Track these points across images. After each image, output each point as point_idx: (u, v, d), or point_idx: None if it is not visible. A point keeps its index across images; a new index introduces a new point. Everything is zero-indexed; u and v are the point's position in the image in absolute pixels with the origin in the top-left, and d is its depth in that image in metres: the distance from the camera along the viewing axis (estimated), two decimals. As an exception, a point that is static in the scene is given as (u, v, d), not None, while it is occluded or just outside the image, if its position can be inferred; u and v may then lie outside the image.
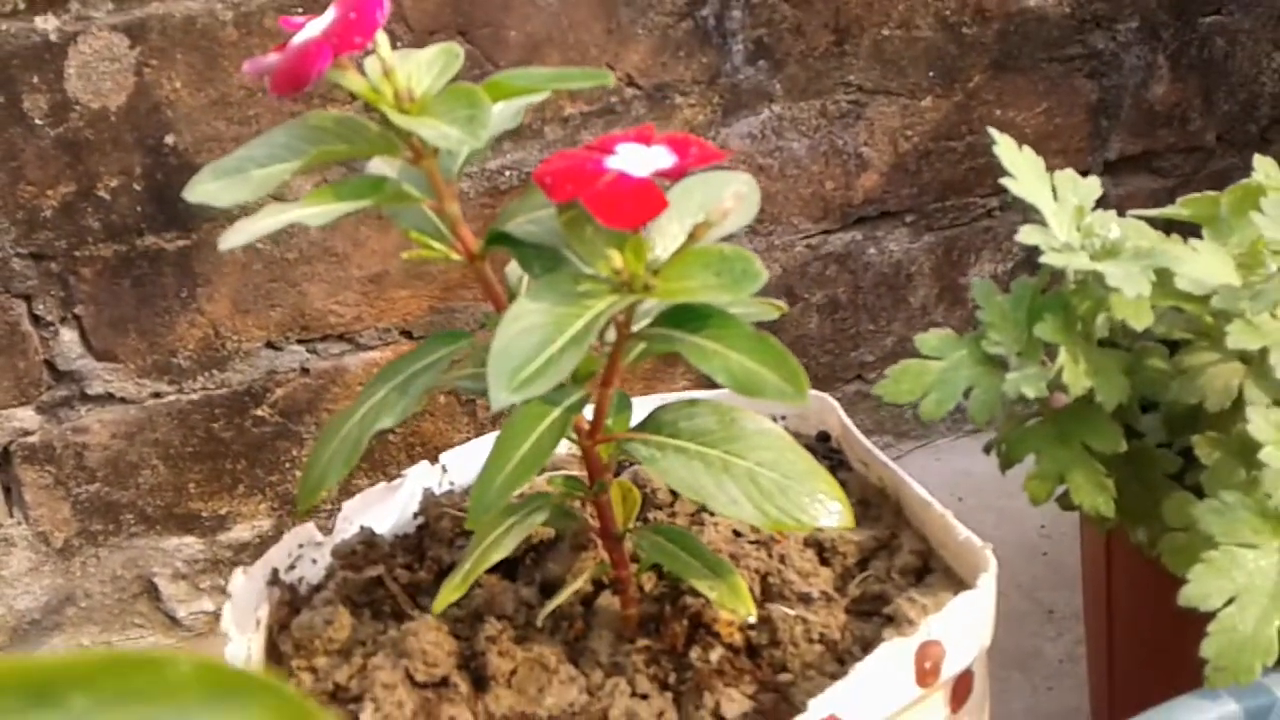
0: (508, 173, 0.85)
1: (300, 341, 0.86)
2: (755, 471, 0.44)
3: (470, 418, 0.89)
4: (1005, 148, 0.51)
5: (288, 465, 0.88)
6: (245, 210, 0.49)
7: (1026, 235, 0.49)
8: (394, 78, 0.42)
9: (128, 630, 0.89)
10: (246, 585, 0.55)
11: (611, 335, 0.43)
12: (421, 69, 0.44)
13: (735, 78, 0.87)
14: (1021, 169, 0.51)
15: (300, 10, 0.77)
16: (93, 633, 0.89)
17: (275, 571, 0.57)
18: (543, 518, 0.48)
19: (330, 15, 0.41)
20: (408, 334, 0.88)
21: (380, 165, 0.46)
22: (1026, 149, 0.53)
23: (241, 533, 0.89)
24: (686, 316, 0.42)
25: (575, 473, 0.50)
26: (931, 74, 0.91)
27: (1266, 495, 0.42)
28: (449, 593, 0.46)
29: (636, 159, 0.39)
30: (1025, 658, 0.82)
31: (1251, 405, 0.42)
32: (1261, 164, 0.56)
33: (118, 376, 0.83)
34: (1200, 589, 0.41)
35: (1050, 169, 0.96)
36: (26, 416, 0.82)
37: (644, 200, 0.38)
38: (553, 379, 0.38)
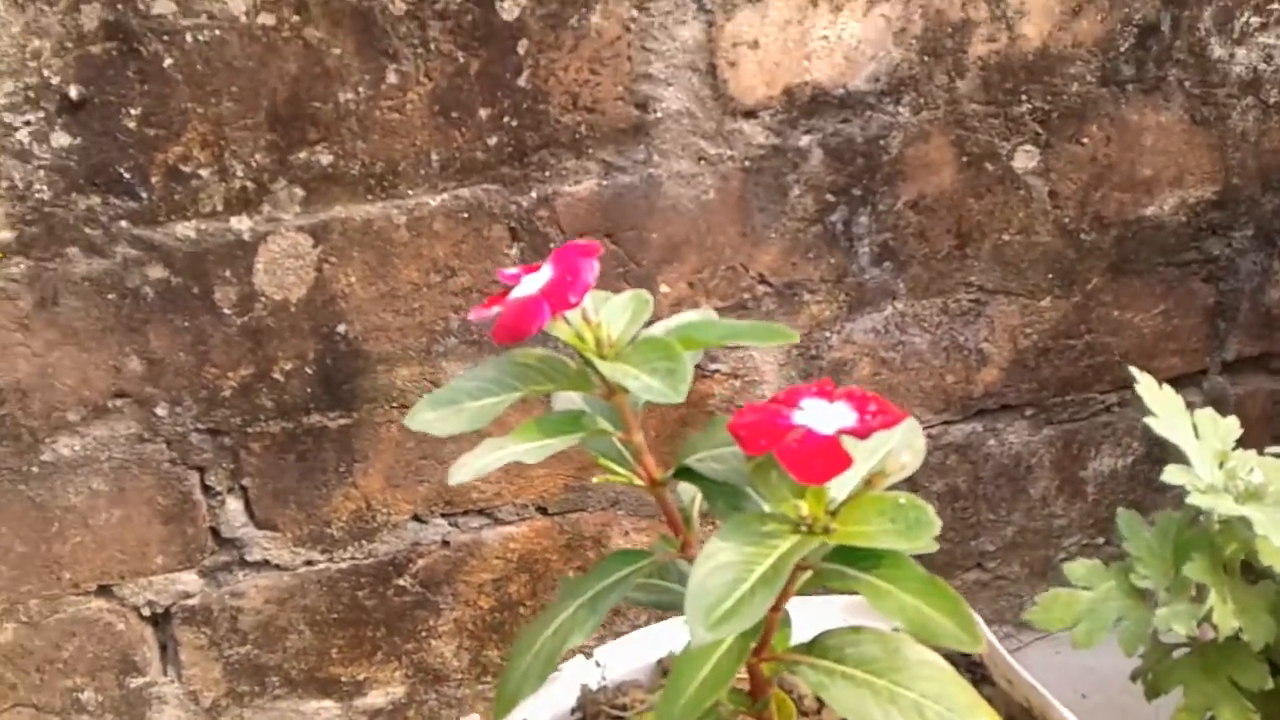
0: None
1: (444, 515, 0.91)
2: (921, 704, 0.46)
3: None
4: (1147, 387, 0.54)
5: (423, 634, 0.92)
6: (416, 397, 0.53)
7: (1171, 475, 0.52)
8: (596, 328, 0.47)
9: (263, 789, 0.93)
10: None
11: (786, 566, 0.47)
12: (616, 314, 0.49)
13: (861, 277, 0.92)
14: (1163, 407, 0.54)
15: (465, 217, 0.84)
16: (229, 790, 0.92)
17: (441, 760, 0.60)
18: (710, 737, 0.50)
19: (546, 274, 0.47)
20: (543, 510, 0.92)
21: (567, 399, 0.51)
22: (1167, 388, 0.56)
23: (376, 698, 0.93)
24: (860, 555, 0.45)
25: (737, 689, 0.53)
26: (1050, 276, 0.95)
27: None
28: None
29: (821, 415, 0.43)
30: None
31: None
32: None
33: (275, 545, 0.88)
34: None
35: (1169, 369, 0.99)
36: (189, 580, 0.88)
37: (832, 458, 0.41)
38: (748, 618, 0.41)
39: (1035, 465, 1.00)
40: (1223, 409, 1.04)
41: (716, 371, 0.93)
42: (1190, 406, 1.04)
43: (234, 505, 0.87)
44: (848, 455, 0.42)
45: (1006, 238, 0.94)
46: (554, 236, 0.86)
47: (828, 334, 0.93)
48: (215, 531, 0.87)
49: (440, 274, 0.85)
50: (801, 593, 0.49)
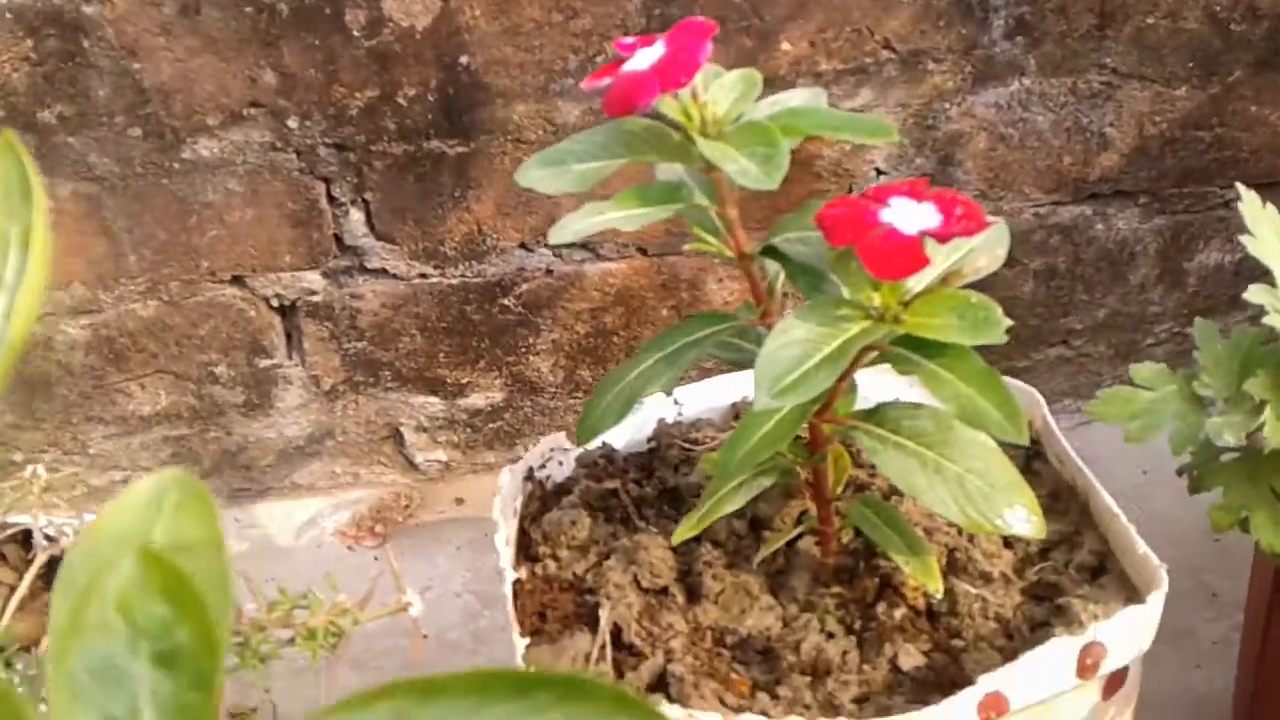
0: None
1: (548, 246, 0.95)
2: (964, 477, 0.51)
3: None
4: (1250, 203, 0.55)
5: (523, 349, 0.99)
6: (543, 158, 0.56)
7: (1254, 294, 0.53)
8: (702, 107, 0.49)
9: (373, 467, 1.03)
10: (510, 480, 0.65)
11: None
12: (723, 92, 0.51)
13: (991, 50, 0.90)
14: (1263, 227, 0.54)
15: (594, -49, 0.83)
16: (344, 464, 1.03)
17: (531, 470, 0.68)
18: (771, 481, 0.56)
19: (659, 50, 0.48)
20: (643, 250, 0.96)
21: (669, 169, 0.53)
22: (1270, 207, 0.56)
23: (477, 400, 1.01)
24: (926, 343, 0.48)
25: (799, 441, 0.58)
26: (1190, 64, 0.92)
27: None
28: (685, 530, 0.55)
29: (907, 215, 0.45)
30: (1180, 636, 0.87)
31: None
32: None
33: (393, 256, 0.94)
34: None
35: (1296, 168, 0.96)
36: (314, 279, 0.95)
37: (909, 258, 0.44)
38: (809, 391, 0.45)
39: (1139, 252, 1.00)
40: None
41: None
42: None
43: (356, 216, 0.92)
44: (925, 256, 0.44)
45: (1151, 21, 0.90)
46: (678, -18, 0.86)
47: (947, 105, 0.92)
48: (339, 239, 0.93)
49: (563, 13, 0.85)
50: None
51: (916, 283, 0.48)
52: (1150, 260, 1.00)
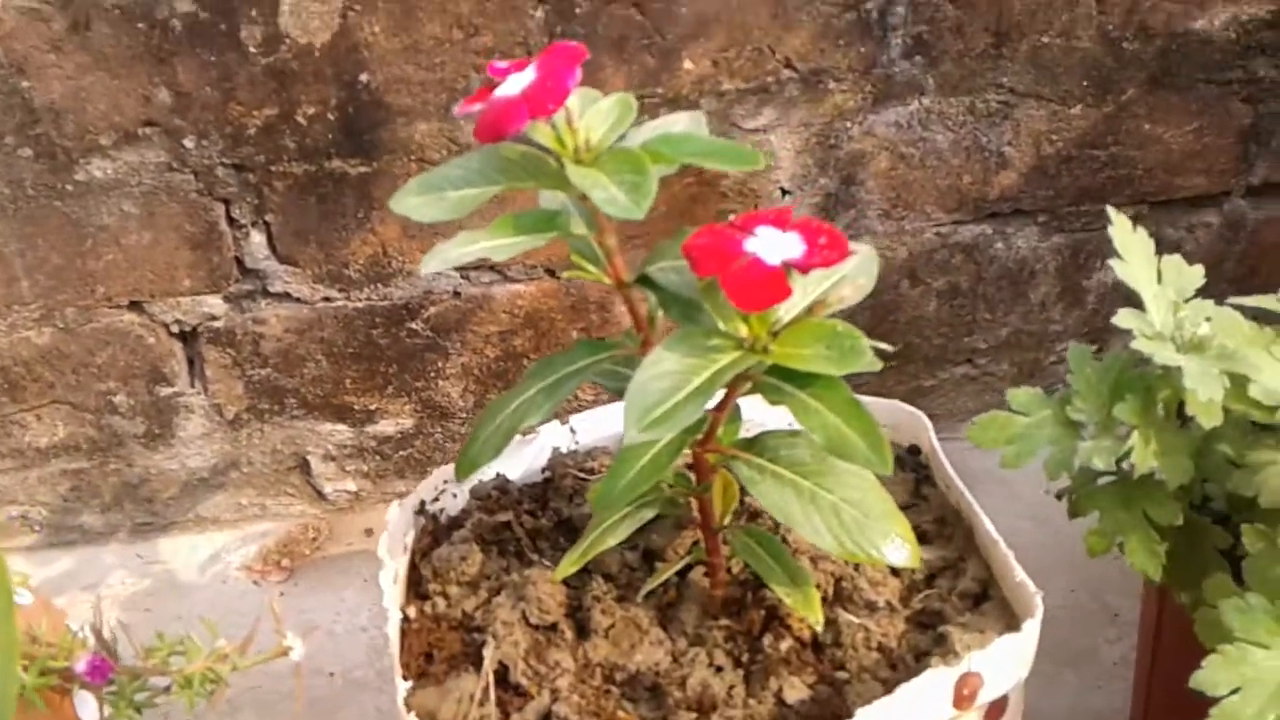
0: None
1: (456, 268, 0.95)
2: (840, 506, 0.51)
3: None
4: (1120, 227, 0.56)
5: (432, 374, 0.98)
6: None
7: (1123, 319, 0.54)
8: (575, 133, 0.48)
9: (280, 498, 1.02)
10: (400, 515, 0.64)
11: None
12: (599, 118, 0.50)
13: (890, 69, 0.91)
14: (1132, 251, 0.55)
15: (493, -27, 0.83)
16: (250, 495, 1.01)
17: (423, 503, 0.67)
18: (654, 513, 0.56)
19: (529, 76, 0.48)
20: (551, 272, 0.96)
21: (551, 196, 0.53)
22: (1140, 231, 0.57)
23: (386, 427, 1.00)
24: (798, 373, 0.48)
25: (685, 470, 0.58)
26: (1085, 83, 0.93)
27: (1292, 598, 0.47)
28: (567, 565, 0.55)
29: (772, 245, 0.45)
30: (1081, 657, 0.88)
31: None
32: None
33: (296, 279, 0.93)
34: (1211, 676, 0.47)
35: (1192, 188, 0.98)
36: (215, 304, 0.93)
37: (772, 289, 0.44)
38: (678, 424, 0.45)
39: (1039, 271, 1.01)
40: (1238, 233, 1.04)
41: (735, 151, 0.93)
42: (1207, 227, 1.04)
43: (257, 239, 0.91)
44: (788, 287, 0.44)
45: (1046, 40, 0.91)
46: (580, 1, 0.85)
47: (849, 124, 0.93)
48: (240, 261, 0.92)
49: (463, 31, 0.85)
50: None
51: (785, 313, 0.48)
52: (1050, 279, 1.02)
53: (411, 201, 0.50)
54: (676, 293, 0.49)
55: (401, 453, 1.01)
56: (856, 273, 0.49)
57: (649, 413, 0.45)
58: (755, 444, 0.54)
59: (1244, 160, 0.99)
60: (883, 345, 0.55)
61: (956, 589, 0.59)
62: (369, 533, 1.01)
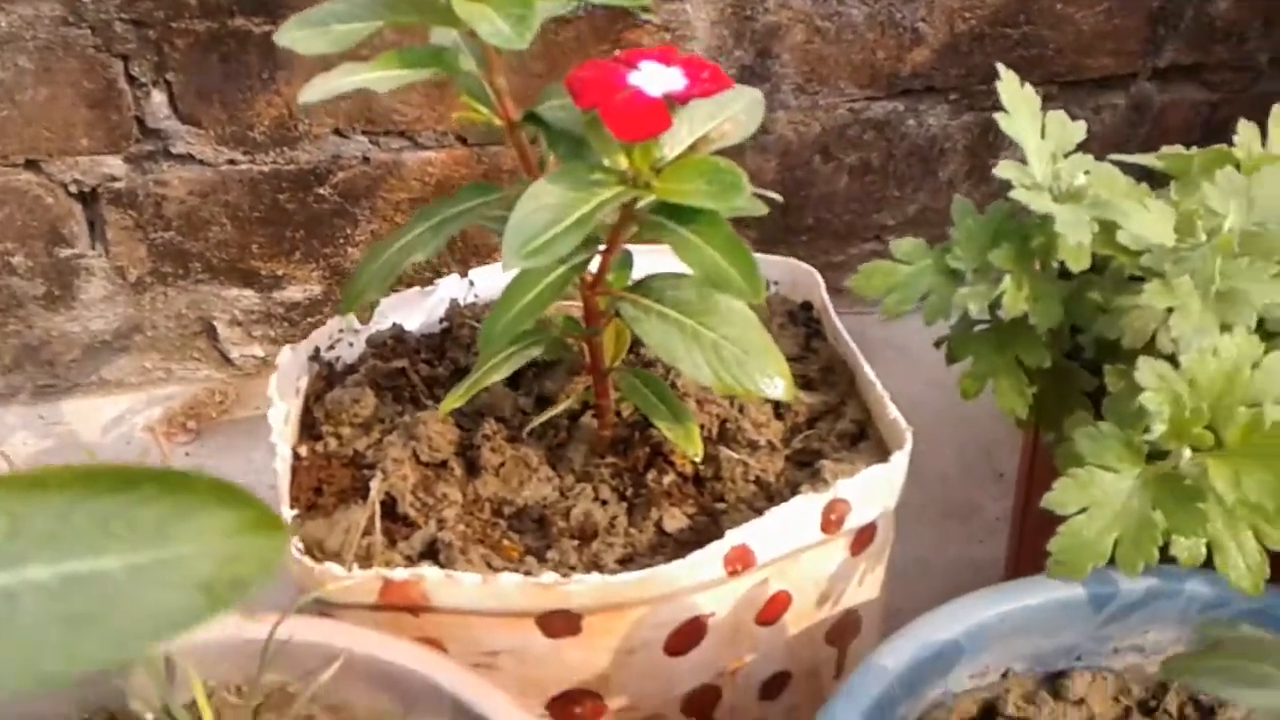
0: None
1: (365, 133, 0.94)
2: (720, 343, 0.52)
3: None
4: (1007, 83, 0.57)
5: (341, 240, 0.98)
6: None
7: (1003, 170, 0.56)
8: (461, -37, 0.48)
9: (185, 362, 1.01)
10: (292, 359, 0.65)
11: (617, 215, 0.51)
12: (486, -46, 0.50)
13: (802, -60, 0.91)
14: (1017, 105, 0.57)
15: None
16: (155, 359, 1.01)
17: (317, 349, 0.67)
18: (539, 350, 0.57)
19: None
20: (462, 140, 0.95)
21: (442, 33, 0.53)
22: (1028, 88, 0.59)
23: (294, 293, 0.99)
24: (681, 211, 0.49)
25: (575, 315, 0.59)
26: (996, -39, 0.94)
27: (1142, 430, 0.50)
28: (452, 400, 0.56)
29: (654, 78, 0.46)
30: (967, 511, 0.92)
31: (1146, 358, 0.50)
32: (1245, 131, 0.61)
33: (199, 141, 0.91)
34: (1060, 497, 0.50)
35: (1100, 69, 1.00)
36: (115, 165, 0.91)
37: (651, 118, 0.45)
38: (555, 253, 0.46)
39: (949, 149, 1.03)
40: (1144, 114, 1.06)
41: (648, 22, 0.93)
42: (1114, 108, 1.06)
43: (158, 98, 0.89)
44: (667, 118, 0.45)
45: (956, -85, 0.92)
46: None
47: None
48: (140, 121, 0.90)
49: (367, -118, 0.83)
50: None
51: (670, 150, 0.49)
52: (959, 157, 1.03)
53: (295, 34, 0.50)
54: (564, 129, 0.50)
55: (309, 319, 1.00)
56: (744, 112, 0.50)
57: (529, 242, 0.46)
58: (641, 286, 0.55)
59: (1152, 42, 1.00)
60: (770, 194, 0.56)
61: (836, 430, 0.62)
62: (277, 400, 1.01)
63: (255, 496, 0.22)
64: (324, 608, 0.52)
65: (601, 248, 0.54)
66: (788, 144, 1.00)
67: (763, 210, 0.55)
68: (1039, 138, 0.59)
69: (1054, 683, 0.56)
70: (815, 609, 0.59)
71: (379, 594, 0.51)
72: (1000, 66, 0.61)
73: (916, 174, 1.04)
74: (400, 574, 0.51)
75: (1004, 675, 0.56)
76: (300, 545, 0.53)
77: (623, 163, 0.47)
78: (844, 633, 0.61)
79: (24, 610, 0.19)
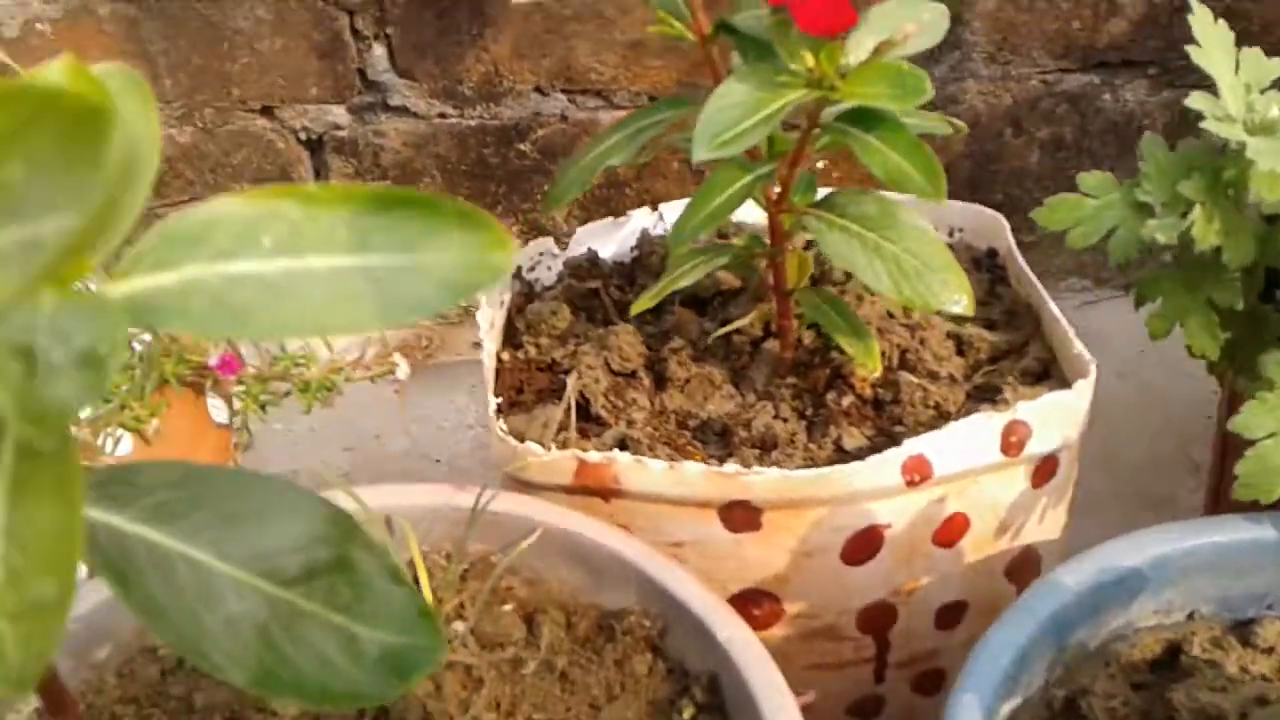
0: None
1: (564, 91, 0.99)
2: (901, 256, 0.54)
3: (696, 183, 1.00)
4: (1200, 18, 0.56)
5: (538, 196, 1.03)
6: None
7: (1195, 100, 0.55)
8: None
9: (391, 307, 1.08)
10: (493, 274, 0.69)
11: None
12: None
13: (1005, -98, 0.91)
14: (1210, 40, 0.56)
15: None
16: (364, 304, 1.08)
17: (520, 269, 0.72)
18: (725, 261, 0.59)
19: None
20: (654, 99, 0.99)
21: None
22: (1221, 23, 0.58)
23: (492, 246, 1.05)
24: (864, 118, 0.51)
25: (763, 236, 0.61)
26: (1208, -74, 0.92)
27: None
28: (644, 301, 0.59)
29: (844, -21, 0.48)
30: (1160, 501, 0.89)
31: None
32: None
33: (414, 94, 0.98)
34: (1247, 420, 0.49)
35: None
36: (339, 114, 0.99)
37: (837, 14, 0.47)
38: (743, 145, 0.48)
39: (1148, 126, 1.01)
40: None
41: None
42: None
43: (379, 51, 0.96)
44: (853, 14, 0.47)
45: (1168, -122, 0.90)
46: None
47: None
48: (362, 73, 0.97)
49: None
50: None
51: (853, 56, 0.51)
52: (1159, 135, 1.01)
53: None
54: (754, 36, 0.52)
55: (506, 270, 1.06)
56: (930, 20, 0.51)
57: (718, 135, 0.49)
58: (825, 203, 0.57)
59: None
60: (957, 122, 0.57)
61: (1019, 368, 0.62)
62: (477, 345, 1.07)
63: (491, 219, 0.25)
64: (523, 489, 0.55)
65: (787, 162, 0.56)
66: (977, 115, 1.00)
67: (947, 130, 0.56)
68: (1233, 73, 0.58)
69: (1243, 630, 0.54)
70: (994, 538, 0.59)
71: (574, 474, 0.54)
72: (1192, 0, 0.60)
73: (1112, 153, 1.02)
74: (594, 456, 0.54)
75: (1189, 617, 0.55)
76: (504, 427, 0.57)
77: (809, 64, 0.49)
78: (1023, 569, 0.61)
79: (305, 285, 0.23)
